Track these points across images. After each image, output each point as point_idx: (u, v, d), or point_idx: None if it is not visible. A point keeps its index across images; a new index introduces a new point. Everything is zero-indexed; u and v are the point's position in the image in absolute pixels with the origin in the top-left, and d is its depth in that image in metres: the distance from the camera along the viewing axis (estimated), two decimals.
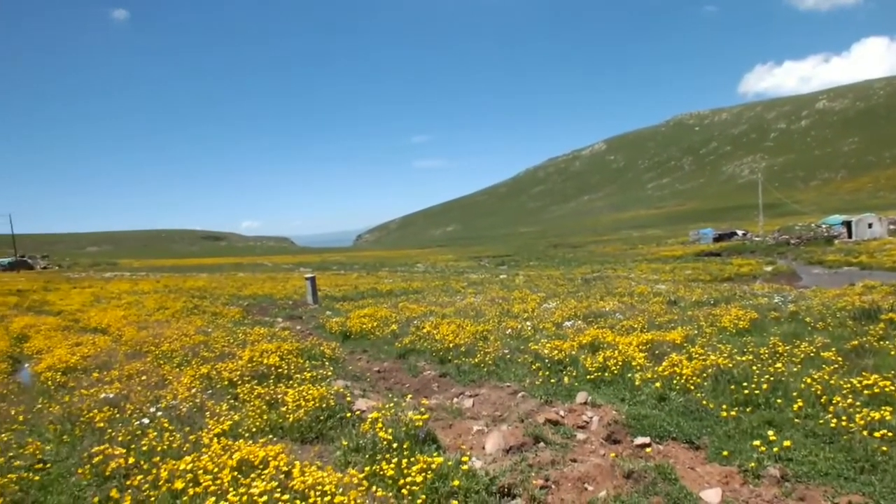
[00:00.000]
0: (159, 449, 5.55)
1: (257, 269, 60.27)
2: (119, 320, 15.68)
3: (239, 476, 4.68)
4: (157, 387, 8.18)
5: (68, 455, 5.90)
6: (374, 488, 4.45)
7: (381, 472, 4.74)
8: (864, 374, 6.54)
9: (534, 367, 8.72)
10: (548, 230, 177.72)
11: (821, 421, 5.61)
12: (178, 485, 4.56)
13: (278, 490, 4.31)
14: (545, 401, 7.14)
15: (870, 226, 58.23)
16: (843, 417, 5.44)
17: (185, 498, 4.46)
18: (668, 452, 5.62)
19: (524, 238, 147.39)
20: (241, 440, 5.67)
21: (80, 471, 5.31)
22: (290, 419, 6.42)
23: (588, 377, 7.96)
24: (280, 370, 8.80)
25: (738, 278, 30.81)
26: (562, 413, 6.57)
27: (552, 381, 7.97)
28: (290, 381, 8.17)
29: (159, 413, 6.86)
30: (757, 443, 5.26)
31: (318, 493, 4.22)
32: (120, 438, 5.96)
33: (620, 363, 8.06)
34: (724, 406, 6.22)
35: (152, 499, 4.53)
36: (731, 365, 7.40)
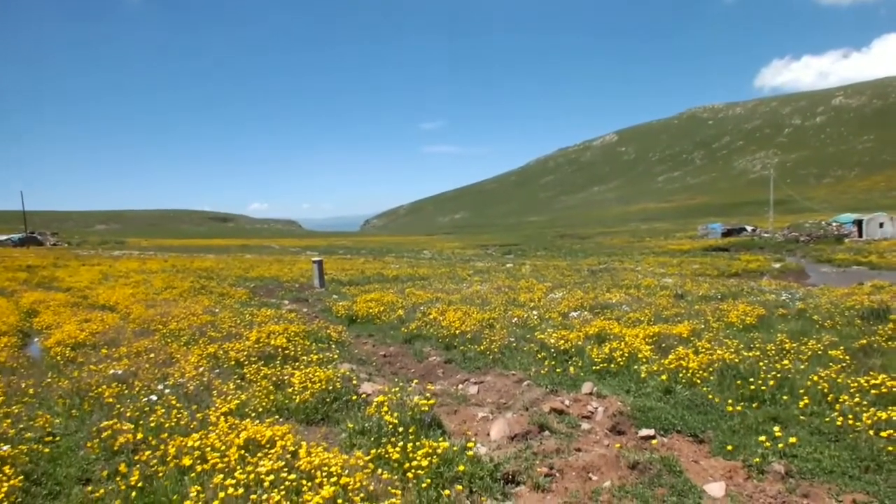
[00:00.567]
0: (167, 426, 5.62)
1: (264, 252, 60.47)
2: (127, 298, 15.81)
3: (246, 455, 4.74)
4: (164, 364, 8.27)
5: (77, 429, 5.99)
6: (379, 471, 4.50)
7: (387, 456, 4.79)
8: (871, 373, 6.52)
9: (539, 357, 8.73)
10: (556, 220, 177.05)
11: (827, 419, 5.60)
12: (186, 461, 4.62)
13: (285, 469, 4.35)
14: (550, 390, 7.17)
15: (881, 225, 57.57)
16: (850, 416, 5.43)
17: (192, 474, 4.52)
18: (672, 445, 5.63)
19: (532, 227, 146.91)
20: (247, 420, 5.74)
21: (88, 444, 5.39)
22: (297, 400, 6.48)
23: (594, 368, 7.98)
24: (287, 352, 8.87)
25: (746, 274, 30.60)
26: (567, 402, 6.59)
27: (558, 370, 7.99)
28: (297, 363, 8.25)
29: (167, 390, 6.94)
30: (762, 438, 5.26)
31: (324, 474, 4.26)
32: (128, 414, 6.05)
33: (626, 355, 8.07)
34: (730, 401, 6.22)
35: (160, 474, 4.59)
36: (737, 360, 7.39)
